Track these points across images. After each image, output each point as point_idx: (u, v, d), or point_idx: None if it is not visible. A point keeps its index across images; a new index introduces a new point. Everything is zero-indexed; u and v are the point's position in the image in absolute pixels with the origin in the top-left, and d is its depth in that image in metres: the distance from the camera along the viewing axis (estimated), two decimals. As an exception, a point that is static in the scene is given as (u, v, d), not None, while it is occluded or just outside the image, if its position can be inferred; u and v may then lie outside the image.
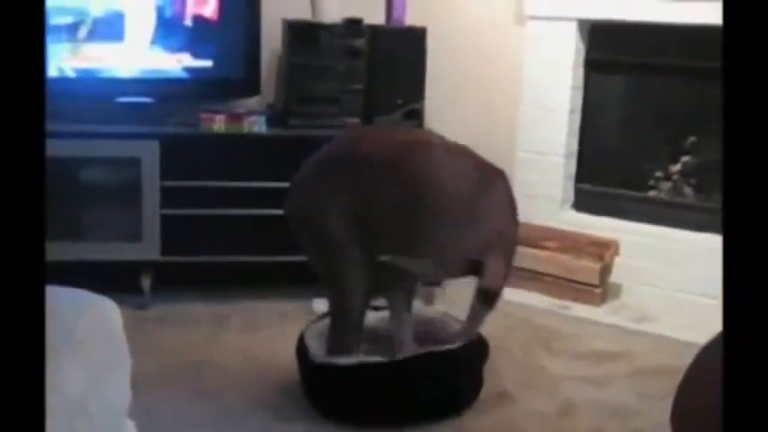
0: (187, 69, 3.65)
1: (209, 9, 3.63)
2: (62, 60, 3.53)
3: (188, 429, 2.61)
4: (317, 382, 2.74)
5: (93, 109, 3.56)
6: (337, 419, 2.66)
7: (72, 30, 3.53)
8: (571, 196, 4.12)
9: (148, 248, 3.51)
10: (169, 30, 3.62)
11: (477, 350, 2.86)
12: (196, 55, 3.65)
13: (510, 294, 3.82)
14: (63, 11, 3.51)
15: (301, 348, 2.79)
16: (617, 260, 3.82)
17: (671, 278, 3.70)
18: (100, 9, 3.55)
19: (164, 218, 3.50)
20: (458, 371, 2.77)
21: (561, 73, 3.98)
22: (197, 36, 3.64)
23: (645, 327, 3.57)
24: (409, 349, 2.78)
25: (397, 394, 2.65)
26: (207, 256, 3.58)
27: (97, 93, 3.62)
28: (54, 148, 3.31)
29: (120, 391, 1.98)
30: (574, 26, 3.93)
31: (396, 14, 3.84)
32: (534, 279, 3.87)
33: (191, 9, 3.62)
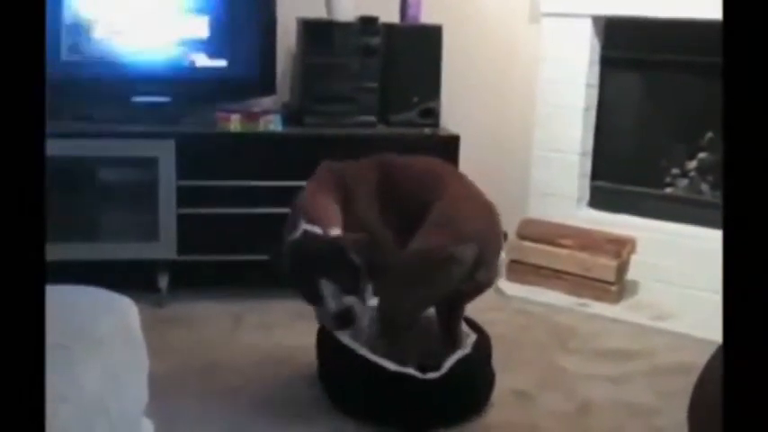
0: (203, 69, 3.66)
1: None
2: (78, 60, 3.54)
3: (204, 428, 2.61)
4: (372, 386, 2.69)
5: (109, 109, 3.57)
6: (359, 419, 2.65)
7: (88, 29, 3.54)
8: (587, 194, 4.10)
9: (165, 247, 3.52)
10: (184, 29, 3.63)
11: (486, 346, 2.87)
12: (212, 54, 3.66)
13: (527, 292, 3.83)
14: (79, 10, 3.52)
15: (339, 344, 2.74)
16: (634, 257, 3.81)
17: (688, 275, 3.68)
18: (116, 8, 3.56)
19: (180, 217, 3.51)
20: (477, 371, 2.78)
21: (576, 70, 3.96)
22: (212, 35, 3.64)
23: (662, 324, 3.55)
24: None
25: (429, 401, 2.65)
26: (223, 254, 3.59)
27: (113, 93, 3.63)
28: (70, 148, 3.36)
29: (137, 389, 1.99)
30: (589, 23, 3.91)
31: (411, 12, 3.83)
32: (551, 277, 3.86)
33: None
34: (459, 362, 2.70)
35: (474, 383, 2.76)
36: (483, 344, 2.84)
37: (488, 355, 2.85)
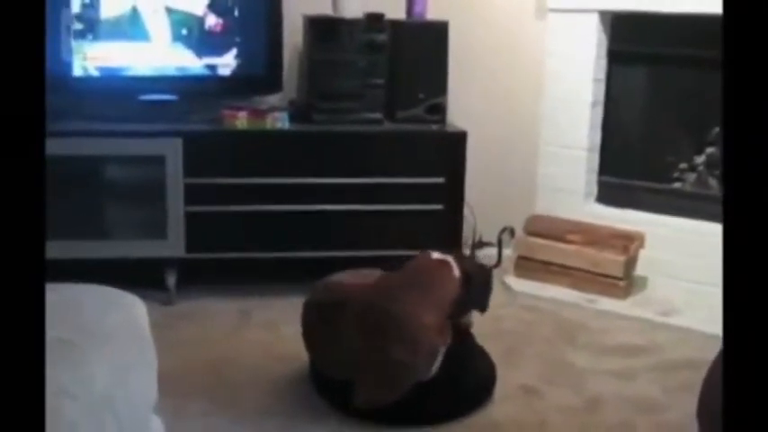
0: (209, 66, 3.66)
1: (231, 6, 3.64)
2: (85, 59, 3.55)
3: (212, 425, 2.62)
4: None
5: (116, 107, 3.58)
6: (362, 417, 2.66)
7: (95, 28, 3.55)
8: (595, 189, 4.10)
9: (173, 245, 3.53)
10: (190, 27, 3.63)
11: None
12: (218, 52, 3.66)
13: (534, 288, 3.83)
14: (85, 10, 3.52)
15: None
16: (642, 253, 3.80)
17: (696, 271, 3.67)
18: (122, 8, 3.57)
19: (188, 215, 3.52)
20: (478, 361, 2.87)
21: (583, 65, 3.96)
22: (219, 33, 3.65)
23: (670, 320, 3.55)
24: None
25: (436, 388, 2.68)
26: (231, 252, 3.59)
27: (120, 91, 3.64)
28: (77, 147, 3.37)
29: (146, 386, 1.99)
30: (595, 18, 3.90)
31: (417, 9, 3.83)
32: (559, 272, 3.85)
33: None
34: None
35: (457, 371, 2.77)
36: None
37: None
